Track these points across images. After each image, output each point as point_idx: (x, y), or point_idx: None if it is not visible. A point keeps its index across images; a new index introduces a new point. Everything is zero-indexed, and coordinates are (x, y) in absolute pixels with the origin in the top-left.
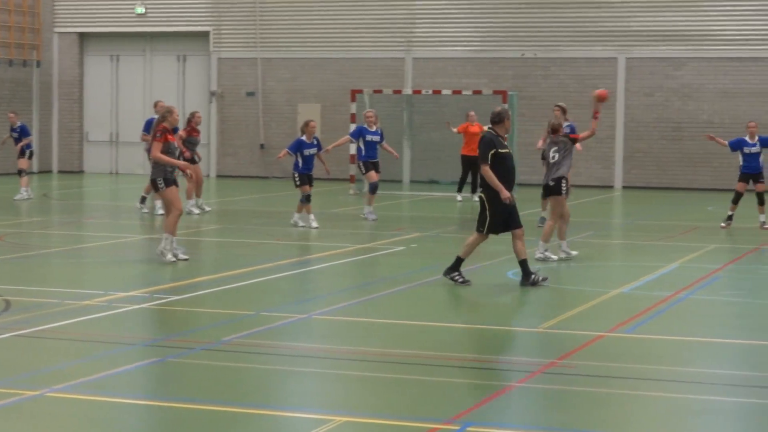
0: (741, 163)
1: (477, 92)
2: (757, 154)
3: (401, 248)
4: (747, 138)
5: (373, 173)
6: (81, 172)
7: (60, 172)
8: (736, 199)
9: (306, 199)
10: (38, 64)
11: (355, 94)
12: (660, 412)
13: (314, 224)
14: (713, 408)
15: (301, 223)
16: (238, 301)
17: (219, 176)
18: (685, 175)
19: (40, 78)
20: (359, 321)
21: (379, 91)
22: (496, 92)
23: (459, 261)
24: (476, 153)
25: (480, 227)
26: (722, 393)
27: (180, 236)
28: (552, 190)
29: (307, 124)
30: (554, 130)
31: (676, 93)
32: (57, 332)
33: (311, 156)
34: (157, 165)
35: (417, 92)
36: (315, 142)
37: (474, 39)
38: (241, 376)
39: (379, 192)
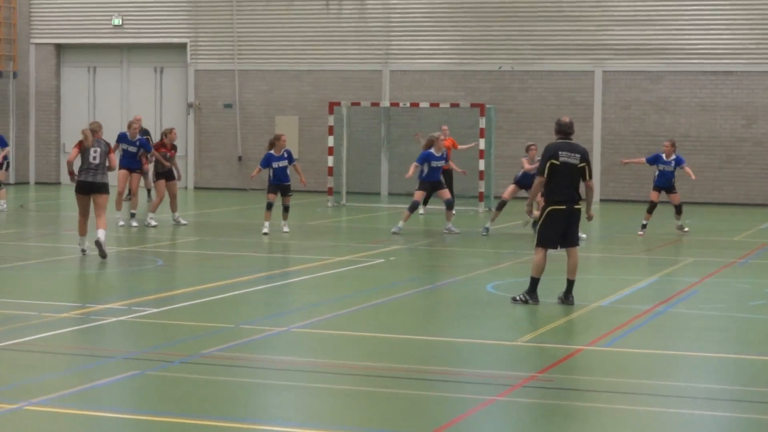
0: (656, 176)
1: (455, 105)
2: (671, 172)
3: (380, 261)
4: (663, 155)
5: (445, 191)
6: (58, 183)
7: (37, 183)
8: (651, 209)
9: (268, 206)
10: (15, 75)
11: (332, 106)
12: (639, 427)
13: (285, 230)
14: (692, 422)
15: (264, 230)
16: (217, 313)
17: (197, 188)
18: None
19: (17, 89)
20: (338, 334)
21: (357, 104)
22: (473, 105)
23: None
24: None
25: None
26: (701, 407)
27: (157, 249)
28: None
29: (278, 138)
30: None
31: (653, 106)
32: (35, 345)
33: (282, 168)
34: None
35: (395, 105)
36: (285, 155)
37: (452, 52)
38: (221, 390)
39: (357, 204)
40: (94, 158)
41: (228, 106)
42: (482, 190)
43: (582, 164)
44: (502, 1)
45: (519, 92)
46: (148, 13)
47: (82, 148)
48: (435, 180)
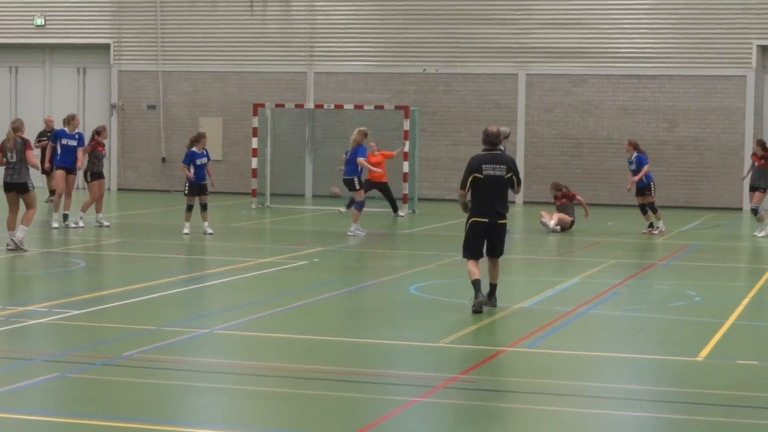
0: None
1: (379, 107)
2: (634, 171)
3: (303, 263)
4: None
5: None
6: None
7: None
8: (643, 211)
9: (189, 208)
10: None
11: (257, 108)
12: (561, 427)
13: (209, 231)
14: (614, 422)
15: (185, 231)
16: (139, 315)
17: (120, 189)
18: (585, 191)
19: None
20: (261, 336)
21: (282, 105)
22: (398, 107)
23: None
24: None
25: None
26: (622, 407)
27: (80, 251)
28: None
29: (203, 135)
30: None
31: (576, 109)
32: None
33: (203, 166)
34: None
35: (319, 107)
36: (205, 153)
37: (376, 54)
38: (143, 392)
39: (281, 206)
40: (12, 157)
41: (152, 107)
42: (406, 192)
43: (509, 174)
44: (426, 3)
45: (443, 95)
46: (71, 13)
47: (3, 148)
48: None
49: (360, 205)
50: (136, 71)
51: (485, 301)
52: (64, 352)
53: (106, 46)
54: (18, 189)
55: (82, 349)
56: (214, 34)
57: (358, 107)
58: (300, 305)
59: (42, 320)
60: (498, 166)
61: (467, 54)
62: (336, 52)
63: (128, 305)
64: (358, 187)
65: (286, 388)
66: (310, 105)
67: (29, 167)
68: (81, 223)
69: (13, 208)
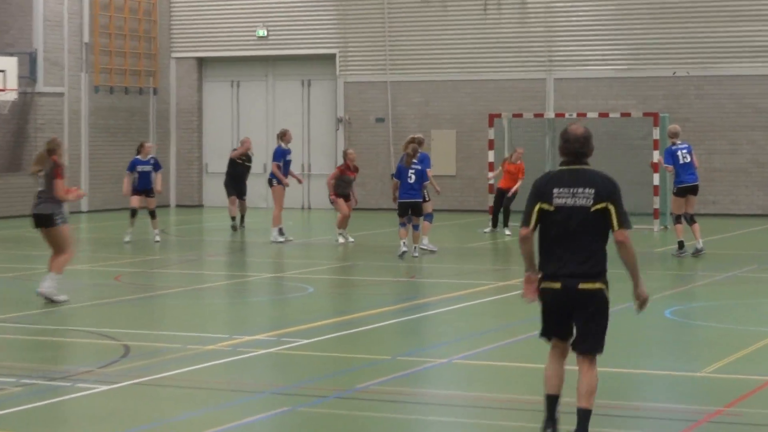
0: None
1: (625, 115)
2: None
3: None
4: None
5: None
6: (200, 206)
7: (179, 206)
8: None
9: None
10: (155, 91)
11: (492, 118)
12: None
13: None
14: None
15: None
16: (371, 344)
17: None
18: None
19: (157, 106)
20: (504, 365)
21: (519, 115)
22: (646, 114)
23: None
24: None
25: None
26: None
27: (307, 274)
28: None
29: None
30: None
31: None
32: (179, 380)
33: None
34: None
35: (560, 116)
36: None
37: (620, 57)
38: (381, 427)
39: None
40: (41, 184)
41: (380, 120)
42: (657, 206)
43: (599, 205)
44: (676, 1)
45: (695, 99)
46: (295, 23)
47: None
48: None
49: (430, 217)
50: (363, 82)
51: None
52: (295, 384)
53: (332, 57)
54: (41, 222)
55: (313, 380)
56: (445, 41)
57: (603, 115)
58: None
59: (270, 350)
60: (580, 191)
61: (721, 54)
62: (577, 56)
63: (359, 333)
64: (427, 198)
65: (534, 423)
66: (550, 114)
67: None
68: (348, 238)
69: (53, 248)
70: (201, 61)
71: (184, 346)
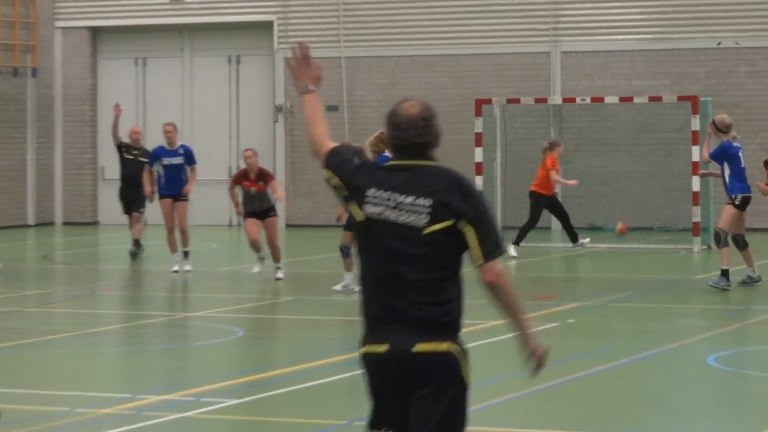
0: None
1: (655, 99)
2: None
3: (554, 325)
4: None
5: None
6: (95, 223)
7: (66, 224)
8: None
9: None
10: (34, 72)
11: (480, 105)
12: None
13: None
14: None
15: None
16: (321, 405)
17: (288, 226)
18: None
19: (37, 91)
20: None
21: (516, 101)
22: (681, 99)
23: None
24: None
25: None
26: None
27: (224, 313)
28: None
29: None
30: None
31: None
32: None
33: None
34: None
35: (569, 101)
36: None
37: (649, 24)
38: None
39: (523, 245)
40: None
41: (332, 108)
42: (698, 219)
43: (441, 224)
44: None
45: (747, 78)
46: None
47: None
48: None
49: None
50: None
51: None
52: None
53: (268, 25)
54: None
55: None
56: (417, 5)
57: (625, 100)
58: (554, 385)
59: (186, 414)
60: (408, 201)
61: None
62: (590, 23)
63: (305, 390)
64: None
65: None
66: (557, 99)
67: None
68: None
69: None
70: (95, 32)
71: (73, 409)
